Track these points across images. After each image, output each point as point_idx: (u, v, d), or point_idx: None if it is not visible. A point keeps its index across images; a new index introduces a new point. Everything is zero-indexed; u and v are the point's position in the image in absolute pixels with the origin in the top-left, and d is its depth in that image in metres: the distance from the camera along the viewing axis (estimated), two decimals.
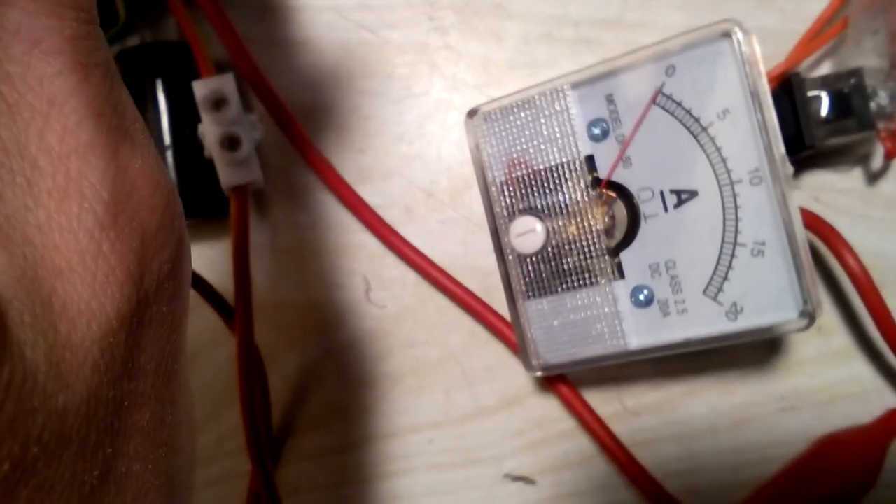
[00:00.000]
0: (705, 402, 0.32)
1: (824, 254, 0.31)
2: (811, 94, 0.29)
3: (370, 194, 0.32)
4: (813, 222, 0.29)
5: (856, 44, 0.29)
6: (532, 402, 0.33)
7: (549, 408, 0.33)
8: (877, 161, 0.32)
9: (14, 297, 0.13)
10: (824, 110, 0.29)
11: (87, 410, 0.14)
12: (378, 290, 0.33)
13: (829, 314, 0.32)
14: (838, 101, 0.29)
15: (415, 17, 0.32)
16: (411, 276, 0.33)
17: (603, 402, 0.32)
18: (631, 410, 0.32)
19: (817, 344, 0.32)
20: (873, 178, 0.32)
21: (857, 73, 0.29)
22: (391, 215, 0.32)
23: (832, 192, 0.32)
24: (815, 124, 0.29)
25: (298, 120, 0.31)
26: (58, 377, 0.13)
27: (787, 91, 0.29)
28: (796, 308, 0.24)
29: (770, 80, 0.30)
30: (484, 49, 0.32)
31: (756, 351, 0.32)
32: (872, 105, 0.29)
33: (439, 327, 0.33)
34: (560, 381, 0.31)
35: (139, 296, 0.14)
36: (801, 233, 0.24)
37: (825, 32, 0.30)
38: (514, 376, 0.33)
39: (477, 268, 0.32)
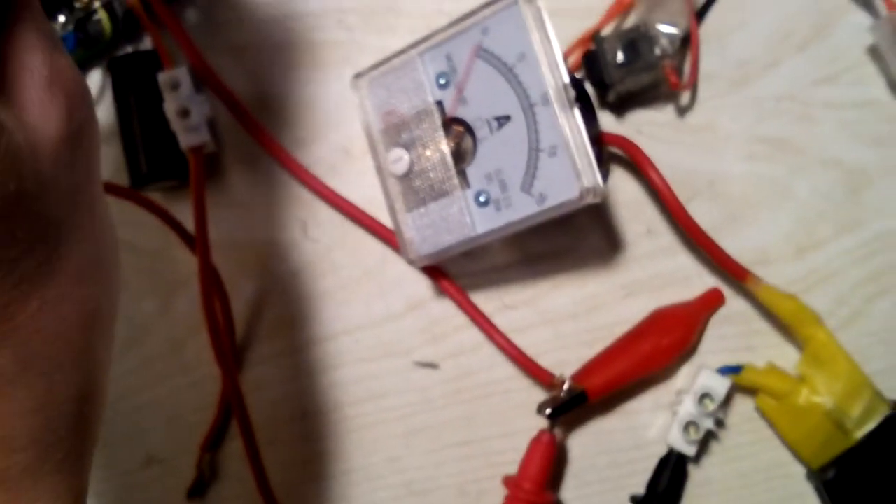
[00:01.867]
0: (566, 294, 0.41)
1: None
2: (609, 45, 0.38)
3: (303, 156, 0.43)
4: (625, 145, 0.39)
5: (643, 6, 0.39)
6: (432, 305, 0.42)
7: (446, 308, 0.42)
8: (685, 98, 0.41)
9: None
10: (619, 57, 0.39)
11: (51, 187, 0.22)
12: (313, 228, 0.43)
13: (655, 218, 0.41)
14: (630, 48, 0.38)
15: (328, 22, 0.43)
16: (337, 216, 0.43)
17: (487, 300, 0.42)
18: (509, 305, 0.42)
19: (649, 243, 0.41)
20: (682, 111, 0.41)
21: (641, 27, 0.39)
22: (320, 171, 0.43)
23: (651, 125, 0.41)
24: (612, 68, 0.38)
25: (243, 101, 0.42)
26: (33, 154, 0.22)
27: (596, 45, 0.39)
28: (578, 189, 0.34)
29: (585, 40, 0.40)
30: (381, 41, 0.43)
31: (601, 251, 0.41)
32: (657, 49, 0.38)
33: (359, 253, 0.42)
34: (451, 285, 0.40)
35: (71, 126, 0.23)
36: (579, 136, 0.34)
37: (622, 3, 0.40)
38: (418, 286, 0.42)
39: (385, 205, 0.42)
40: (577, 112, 0.34)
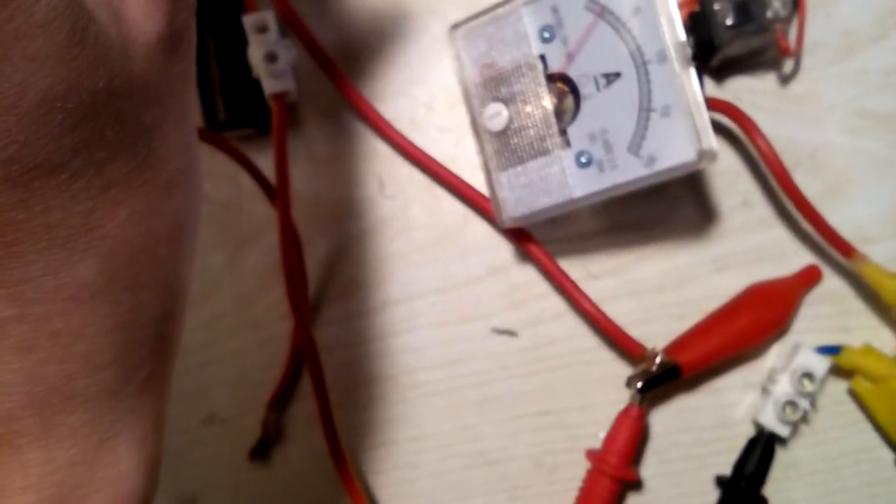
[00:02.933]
0: (654, 265, 0.40)
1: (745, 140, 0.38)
2: (719, 5, 0.37)
3: (384, 110, 0.41)
4: (731, 111, 0.37)
5: None
6: (514, 271, 0.41)
7: (528, 274, 0.41)
8: (787, 66, 0.40)
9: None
10: (730, 19, 0.37)
11: (143, 89, 0.21)
12: (390, 185, 0.41)
13: (752, 189, 0.39)
14: (740, 10, 0.37)
15: None
16: (416, 173, 0.41)
17: (571, 268, 0.40)
18: (594, 275, 0.40)
19: (744, 214, 0.40)
20: (784, 80, 0.40)
21: None
22: (400, 126, 0.41)
23: (751, 93, 0.40)
24: (722, 29, 0.37)
25: (326, 50, 0.40)
26: (126, 52, 0.20)
27: (703, 5, 0.37)
28: (695, 151, 0.32)
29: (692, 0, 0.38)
30: None
31: (693, 222, 0.39)
32: (769, 12, 0.37)
33: (438, 212, 0.41)
34: (540, 250, 0.39)
35: (172, 29, 0.22)
36: (695, 96, 0.32)
37: None
38: (500, 250, 0.41)
39: (468, 163, 0.40)
40: (692, 72, 0.32)
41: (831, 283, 0.39)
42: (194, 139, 0.24)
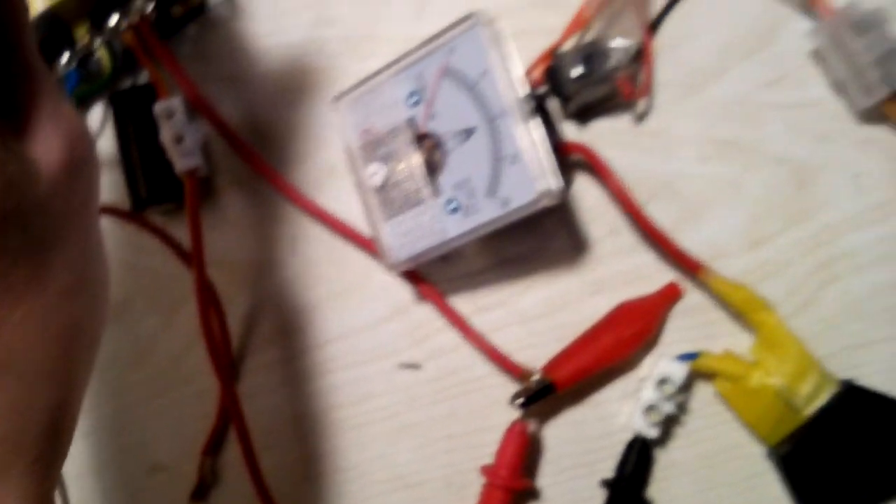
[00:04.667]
0: (536, 294, 0.44)
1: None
2: (567, 60, 0.42)
3: (291, 176, 0.46)
4: (583, 152, 0.42)
5: (593, 26, 0.43)
6: (414, 310, 0.45)
7: (427, 312, 0.45)
8: (641, 106, 0.45)
9: None
10: (576, 72, 0.42)
11: (46, 209, 0.25)
12: (300, 243, 0.46)
13: (618, 220, 0.44)
14: (586, 62, 0.42)
15: (312, 50, 0.47)
16: (323, 231, 0.46)
17: (464, 303, 0.45)
18: (484, 307, 0.45)
19: (612, 242, 0.44)
20: (639, 118, 0.44)
21: (596, 43, 0.42)
22: (307, 189, 0.46)
23: (611, 132, 0.45)
24: (570, 81, 0.42)
25: (234, 126, 0.45)
26: (33, 180, 0.25)
27: (555, 61, 0.42)
28: (538, 191, 0.37)
29: (546, 57, 0.43)
30: (361, 66, 0.46)
31: (568, 252, 0.44)
32: (610, 63, 0.42)
33: (344, 264, 0.46)
34: (431, 290, 0.44)
35: (71, 161, 0.26)
36: (538, 144, 0.37)
37: (580, 21, 0.43)
38: (400, 293, 0.45)
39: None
40: (534, 122, 0.37)
41: (694, 297, 0.43)
42: (96, 252, 0.29)
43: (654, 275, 0.43)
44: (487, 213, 0.38)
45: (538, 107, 0.38)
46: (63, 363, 0.26)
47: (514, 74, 0.38)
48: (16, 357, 0.25)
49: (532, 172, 0.37)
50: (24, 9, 0.27)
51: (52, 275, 0.25)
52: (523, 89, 0.38)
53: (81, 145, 0.27)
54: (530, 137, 0.37)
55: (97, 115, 0.47)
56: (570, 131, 0.44)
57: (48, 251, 0.25)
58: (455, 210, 0.39)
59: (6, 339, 0.24)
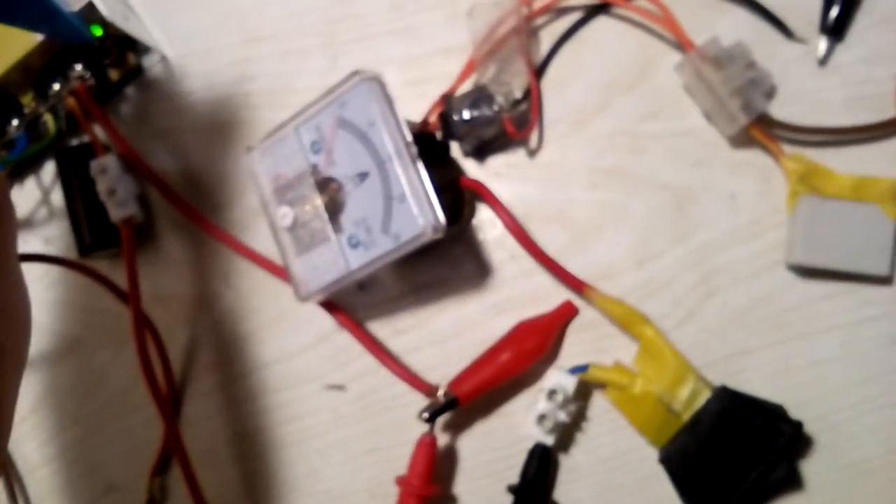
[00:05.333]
0: (448, 316, 0.49)
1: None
2: (456, 105, 0.46)
3: (221, 219, 0.51)
4: (474, 187, 0.46)
5: (482, 73, 0.47)
6: (336, 337, 0.49)
7: (348, 338, 0.49)
8: (534, 141, 0.49)
9: None
10: (465, 114, 0.46)
11: None
12: (233, 279, 0.51)
13: (516, 247, 0.48)
14: (473, 106, 0.46)
15: (237, 104, 0.51)
16: (252, 267, 0.51)
17: (381, 327, 0.49)
18: (400, 330, 0.49)
19: (512, 266, 0.48)
20: (532, 153, 0.49)
21: (482, 88, 0.46)
22: (236, 230, 0.51)
23: (507, 166, 0.49)
24: (459, 124, 0.46)
25: (166, 177, 0.50)
26: None
27: (446, 106, 0.47)
28: (421, 226, 0.41)
29: (440, 102, 0.47)
30: (280, 116, 0.51)
31: (474, 277, 0.48)
32: (495, 105, 0.46)
33: (273, 296, 0.50)
34: (345, 318, 0.48)
35: None
36: (419, 185, 0.41)
37: (468, 69, 0.48)
38: (324, 321, 0.50)
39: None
40: (418, 165, 0.42)
41: (589, 314, 0.47)
42: (14, 282, 0.33)
43: (551, 294, 0.47)
44: (383, 246, 0.42)
45: (429, 148, 0.43)
46: None
47: (398, 123, 0.42)
48: None
49: (415, 210, 0.41)
50: None
51: None
52: (406, 136, 0.42)
53: None
54: (413, 179, 0.41)
55: (49, 171, 0.52)
56: (471, 168, 0.48)
57: None
58: (356, 245, 0.43)
59: None
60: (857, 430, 0.44)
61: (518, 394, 0.47)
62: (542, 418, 0.44)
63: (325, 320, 0.49)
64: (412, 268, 0.48)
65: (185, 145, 0.51)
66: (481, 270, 0.48)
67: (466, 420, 0.47)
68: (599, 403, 0.46)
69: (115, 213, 0.47)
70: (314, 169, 0.44)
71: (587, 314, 0.47)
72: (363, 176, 0.43)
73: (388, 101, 0.42)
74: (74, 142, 0.52)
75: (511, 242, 0.47)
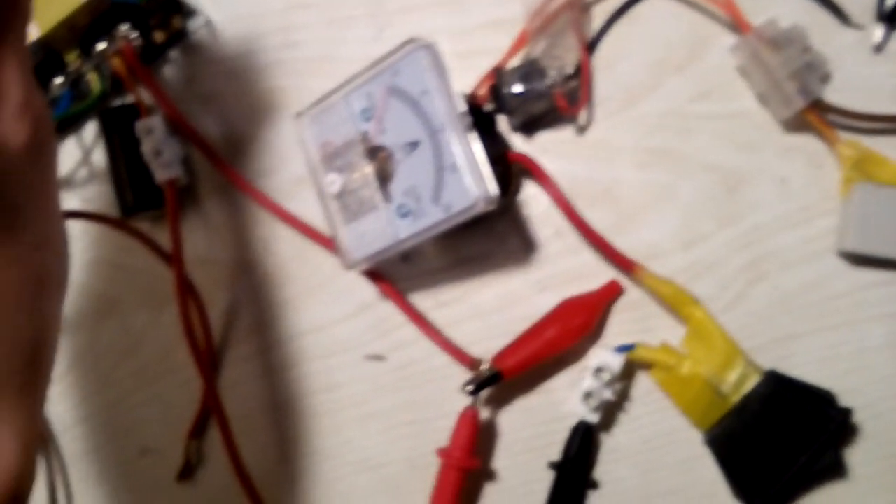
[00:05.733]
0: (491, 291, 0.48)
1: None
2: (507, 78, 0.46)
3: (264, 185, 0.50)
4: (524, 161, 0.46)
5: (532, 48, 0.46)
6: (378, 306, 0.49)
7: (390, 308, 0.49)
8: (582, 118, 0.48)
9: None
10: (516, 88, 0.46)
11: (11, 177, 0.30)
12: (273, 245, 0.51)
13: (562, 223, 0.47)
14: (524, 80, 0.46)
15: (280, 71, 0.51)
16: (294, 234, 0.50)
17: (424, 299, 0.49)
18: (443, 303, 0.49)
19: (557, 243, 0.48)
20: (581, 130, 0.48)
21: (534, 62, 0.46)
22: (279, 197, 0.50)
23: (554, 143, 0.48)
24: (510, 97, 0.46)
25: (211, 141, 0.50)
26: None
27: (498, 79, 0.46)
28: (474, 197, 0.41)
29: (491, 75, 0.47)
30: (323, 84, 0.50)
31: (519, 252, 0.47)
32: (547, 80, 0.46)
33: (314, 264, 0.50)
34: (389, 288, 0.48)
35: (35, 140, 0.30)
36: (472, 155, 0.41)
37: (520, 42, 0.47)
38: (365, 290, 0.49)
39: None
40: (471, 135, 0.41)
41: (636, 293, 0.47)
42: (56, 214, 0.33)
43: (597, 272, 0.47)
44: (433, 217, 0.42)
45: (479, 120, 0.42)
46: (37, 304, 0.31)
47: (451, 92, 0.41)
48: None
49: (468, 180, 0.40)
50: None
51: (21, 231, 0.30)
52: (460, 106, 0.41)
53: (45, 127, 0.32)
54: (467, 149, 0.41)
55: (91, 131, 0.52)
56: (518, 143, 0.48)
57: (16, 213, 0.30)
58: (405, 214, 0.43)
59: None
60: None
61: (560, 371, 0.47)
62: (587, 396, 0.44)
63: (366, 290, 0.49)
64: (456, 241, 0.47)
65: (228, 110, 0.51)
66: (526, 246, 0.47)
67: (507, 395, 0.47)
68: (643, 384, 0.46)
69: (161, 174, 0.47)
70: (364, 137, 0.44)
71: (631, 294, 0.46)
72: (414, 145, 0.42)
73: (442, 69, 0.41)
74: (116, 103, 0.51)
75: (556, 219, 0.47)
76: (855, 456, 0.44)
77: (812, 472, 0.42)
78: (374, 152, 0.44)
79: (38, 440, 0.32)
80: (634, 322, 0.46)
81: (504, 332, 0.47)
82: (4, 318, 0.30)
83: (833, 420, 0.41)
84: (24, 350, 0.31)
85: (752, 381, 0.43)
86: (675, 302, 0.44)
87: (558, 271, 0.47)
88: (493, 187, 0.41)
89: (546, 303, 0.47)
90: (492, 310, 0.48)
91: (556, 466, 0.45)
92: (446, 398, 0.47)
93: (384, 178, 0.43)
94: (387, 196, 0.43)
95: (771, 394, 0.42)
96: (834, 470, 0.43)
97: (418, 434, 0.48)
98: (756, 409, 0.42)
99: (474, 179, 0.40)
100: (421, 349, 0.48)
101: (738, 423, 0.43)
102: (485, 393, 0.46)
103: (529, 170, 0.45)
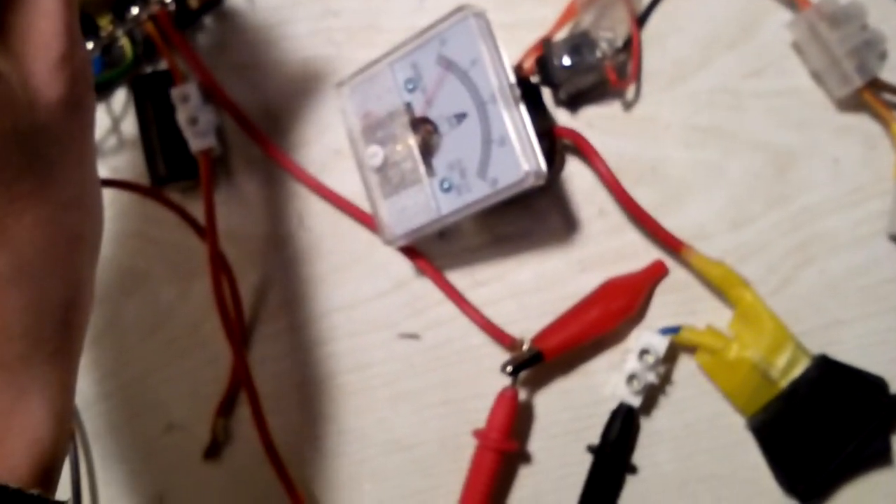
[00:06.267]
0: (530, 270, 0.47)
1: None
2: (556, 50, 0.44)
3: (299, 157, 0.49)
4: (574, 138, 0.45)
5: (584, 18, 0.45)
6: (414, 284, 0.48)
7: (425, 285, 0.48)
8: (630, 94, 0.47)
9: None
10: (565, 60, 0.44)
11: (44, 133, 0.28)
12: (307, 219, 0.49)
13: (606, 201, 0.46)
14: (574, 52, 0.44)
15: (318, 41, 0.50)
16: (328, 208, 0.49)
17: (461, 278, 0.47)
18: (480, 282, 0.47)
19: (600, 222, 0.47)
20: (627, 106, 0.47)
21: (584, 34, 0.44)
22: (314, 169, 0.49)
23: (600, 118, 0.47)
24: (559, 70, 0.44)
25: (246, 111, 0.48)
26: (32, 106, 0.28)
27: (545, 50, 0.45)
28: (523, 172, 0.40)
29: (538, 47, 0.46)
30: (364, 54, 0.49)
31: (559, 231, 0.46)
32: (598, 52, 0.44)
33: (349, 240, 0.49)
34: (428, 265, 0.46)
35: (71, 96, 0.29)
36: (522, 128, 0.40)
37: (570, 13, 0.46)
38: (401, 267, 0.48)
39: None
40: (521, 108, 0.40)
41: (680, 274, 0.45)
42: (91, 173, 0.32)
43: (640, 253, 0.46)
44: (478, 191, 0.41)
45: (526, 93, 0.41)
46: (69, 265, 0.30)
47: (502, 63, 0.40)
48: (28, 260, 0.28)
49: (518, 154, 0.39)
50: None
51: (53, 189, 0.29)
52: (510, 77, 0.40)
53: (83, 85, 0.31)
54: (517, 122, 0.39)
55: (120, 99, 0.50)
56: (563, 117, 0.47)
57: (49, 170, 0.29)
58: (448, 189, 0.42)
59: (18, 245, 0.28)
60: None
61: (600, 353, 0.46)
62: (631, 378, 0.42)
63: (401, 267, 0.48)
64: (495, 218, 0.46)
65: (264, 80, 0.50)
66: (567, 224, 0.46)
67: (545, 377, 0.46)
68: (685, 367, 0.45)
69: (196, 144, 0.46)
70: (408, 108, 0.43)
71: (676, 275, 0.45)
72: (461, 117, 0.41)
73: (493, 39, 0.40)
74: (147, 70, 0.50)
75: (600, 197, 0.46)
76: None
77: (860, 460, 0.41)
78: (418, 124, 0.42)
79: (72, 410, 0.31)
80: (678, 304, 0.45)
81: (542, 313, 0.46)
82: (35, 281, 0.29)
83: (885, 407, 0.40)
84: (56, 315, 0.30)
85: (802, 366, 0.42)
86: (723, 284, 0.43)
87: (600, 251, 0.46)
88: (542, 162, 0.39)
89: (587, 283, 0.46)
90: (530, 289, 0.47)
91: (594, 450, 0.44)
92: (481, 379, 0.46)
93: (428, 151, 0.42)
94: (430, 170, 0.42)
95: (821, 378, 0.41)
96: (881, 458, 0.42)
97: (451, 414, 0.47)
98: (805, 393, 0.41)
99: (524, 153, 0.39)
100: (456, 328, 0.47)
101: (786, 408, 0.42)
102: (522, 374, 0.45)
103: (577, 145, 0.44)
